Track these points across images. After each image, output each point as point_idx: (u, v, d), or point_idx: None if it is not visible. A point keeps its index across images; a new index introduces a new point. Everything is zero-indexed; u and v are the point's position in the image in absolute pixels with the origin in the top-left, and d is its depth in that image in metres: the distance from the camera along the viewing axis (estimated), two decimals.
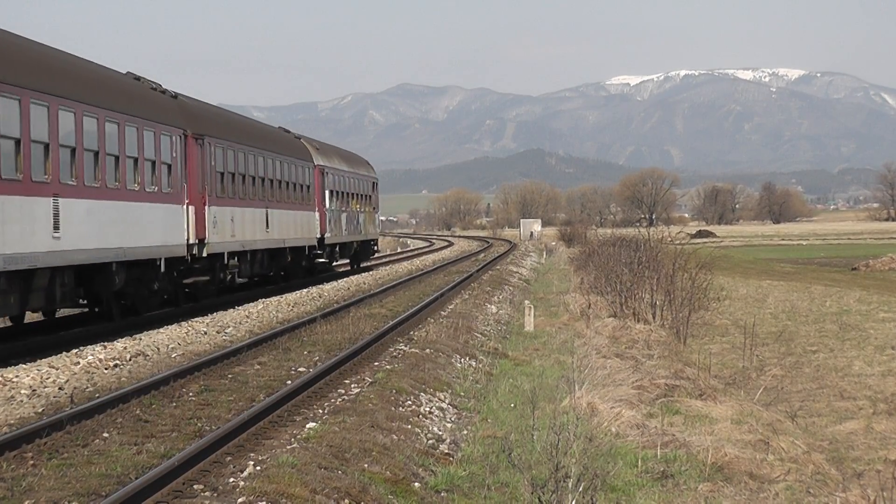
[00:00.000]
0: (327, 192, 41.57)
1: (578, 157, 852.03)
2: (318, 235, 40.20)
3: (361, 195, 48.70)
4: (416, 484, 11.01)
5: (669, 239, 38.11)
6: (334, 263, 46.32)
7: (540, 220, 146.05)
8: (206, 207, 27.70)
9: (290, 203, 36.59)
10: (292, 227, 36.53)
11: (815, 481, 12.41)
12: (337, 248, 43.95)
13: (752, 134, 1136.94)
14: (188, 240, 26.32)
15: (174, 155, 25.54)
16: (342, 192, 44.36)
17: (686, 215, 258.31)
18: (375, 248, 53.98)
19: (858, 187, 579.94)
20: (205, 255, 27.39)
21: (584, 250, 48.58)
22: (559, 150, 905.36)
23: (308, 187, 39.17)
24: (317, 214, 40.15)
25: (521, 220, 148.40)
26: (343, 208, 44.32)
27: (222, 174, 29.31)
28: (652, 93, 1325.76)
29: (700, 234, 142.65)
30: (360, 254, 49.56)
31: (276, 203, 34.54)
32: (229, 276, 29.94)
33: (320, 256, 40.81)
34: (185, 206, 26.21)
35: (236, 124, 33.69)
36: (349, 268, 49.58)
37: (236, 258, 30.27)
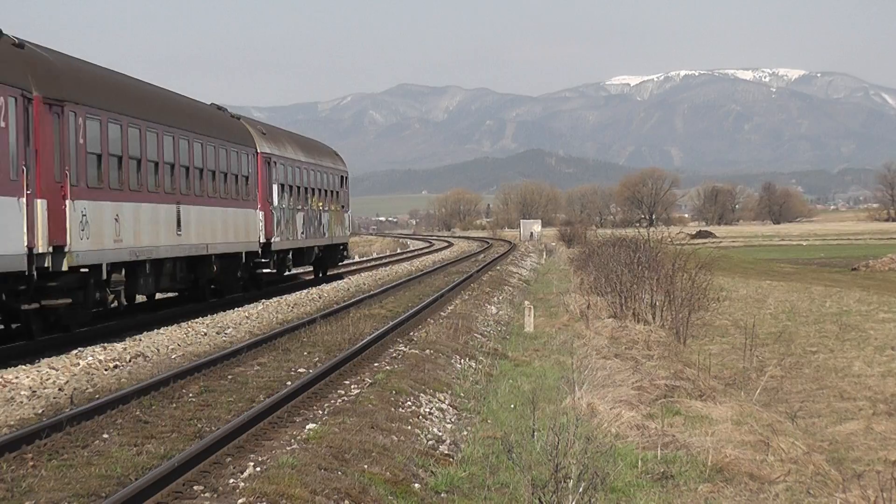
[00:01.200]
0: (276, 186, 33.71)
1: (578, 158, 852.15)
2: (263, 239, 32.34)
3: (326, 191, 41.14)
4: (416, 485, 11.01)
5: (669, 239, 38.11)
6: (293, 272, 40.48)
7: (540, 221, 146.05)
8: (68, 201, 19.92)
9: (218, 199, 28.75)
10: (220, 228, 28.77)
11: (815, 482, 12.41)
12: (290, 255, 36.03)
13: (752, 134, 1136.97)
14: (33, 247, 18.53)
15: (2, 125, 17.99)
16: (298, 187, 36.72)
17: (686, 215, 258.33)
18: (345, 252, 45.55)
19: (858, 187, 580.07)
20: (64, 268, 19.72)
21: (584, 251, 48.56)
22: (559, 151, 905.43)
23: (247, 179, 31.39)
24: (259, 213, 32.26)
25: (521, 221, 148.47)
26: (299, 206, 36.53)
27: (99, 156, 21.59)
28: (652, 93, 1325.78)
29: (700, 234, 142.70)
30: (325, 260, 42.16)
31: (193, 198, 26.99)
32: (111, 297, 22.20)
33: (265, 265, 33.08)
34: (22, 200, 18.34)
35: (130, 91, 25.03)
36: (315, 276, 42.73)
37: (122, 271, 22.55)
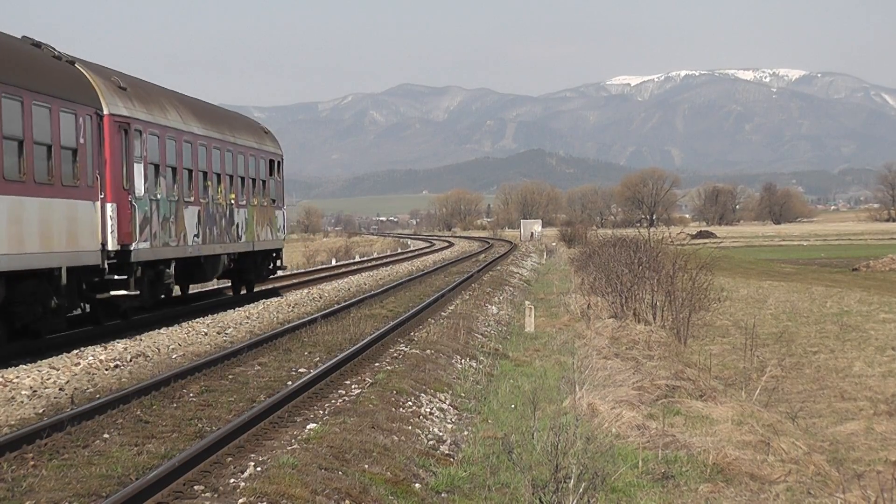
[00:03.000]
0: (140, 167, 23.25)
1: (579, 158, 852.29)
2: (114, 245, 21.89)
3: (243, 179, 30.92)
4: (417, 485, 11.01)
5: (670, 239, 38.10)
6: (191, 291, 31.84)
7: (540, 221, 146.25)
8: None
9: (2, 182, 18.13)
10: (4, 232, 18.10)
11: (815, 482, 12.41)
12: (170, 268, 25.21)
13: (752, 134, 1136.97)
14: None
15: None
16: (190, 171, 26.59)
17: (687, 216, 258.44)
18: (278, 262, 35.00)
19: (859, 188, 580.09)
20: None
21: (585, 251, 48.55)
22: (560, 151, 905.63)
23: (74, 153, 20.72)
24: (108, 207, 21.93)
25: (522, 221, 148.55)
26: (190, 198, 26.43)
27: None
28: (652, 93, 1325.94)
29: (701, 234, 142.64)
30: (246, 272, 32.40)
31: None
32: None
33: (116, 284, 22.09)
34: None
35: None
36: (234, 293, 33.31)
37: None
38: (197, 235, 26.81)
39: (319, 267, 57.42)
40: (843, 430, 17.45)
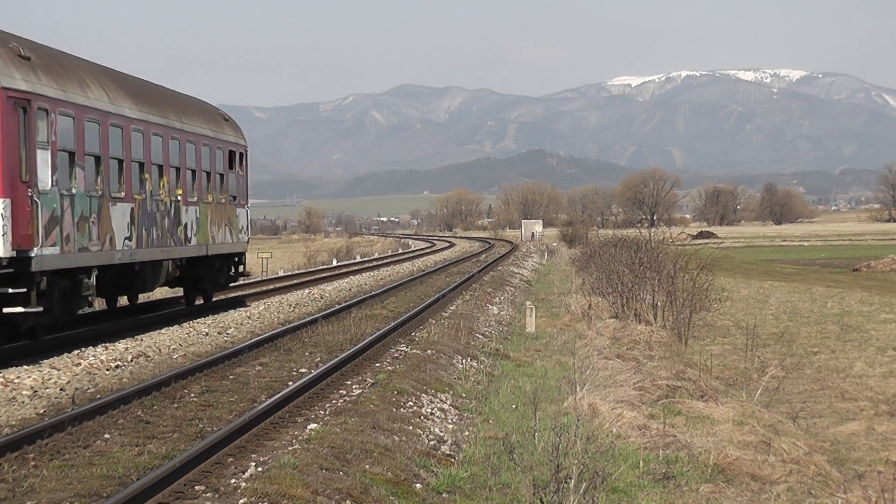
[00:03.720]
0: (47, 155, 18.74)
1: (580, 158, 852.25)
2: (5, 252, 17.48)
3: (196, 172, 26.35)
4: (418, 485, 11.01)
5: (671, 240, 38.10)
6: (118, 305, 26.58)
7: (541, 221, 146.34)
8: None
9: None
10: None
11: (816, 482, 12.41)
12: (91, 278, 20.49)
13: (753, 135, 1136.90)
14: None
15: None
16: (120, 161, 21.96)
17: (687, 216, 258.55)
18: (241, 267, 30.43)
19: (860, 188, 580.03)
20: None
21: (586, 251, 48.56)
22: (560, 151, 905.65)
23: None
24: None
25: (523, 221, 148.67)
26: (120, 193, 21.94)
27: None
28: (653, 93, 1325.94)
29: (701, 234, 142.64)
30: (200, 280, 27.90)
31: None
32: None
33: (11, 299, 17.71)
34: None
35: None
36: (187, 303, 28.81)
37: None
38: (129, 238, 22.24)
39: (320, 267, 57.44)
40: (844, 431, 17.45)
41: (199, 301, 28.91)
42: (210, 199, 27.35)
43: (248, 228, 30.86)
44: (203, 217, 26.72)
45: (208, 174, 27.35)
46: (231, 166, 29.41)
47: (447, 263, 55.04)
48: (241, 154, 30.27)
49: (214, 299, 29.57)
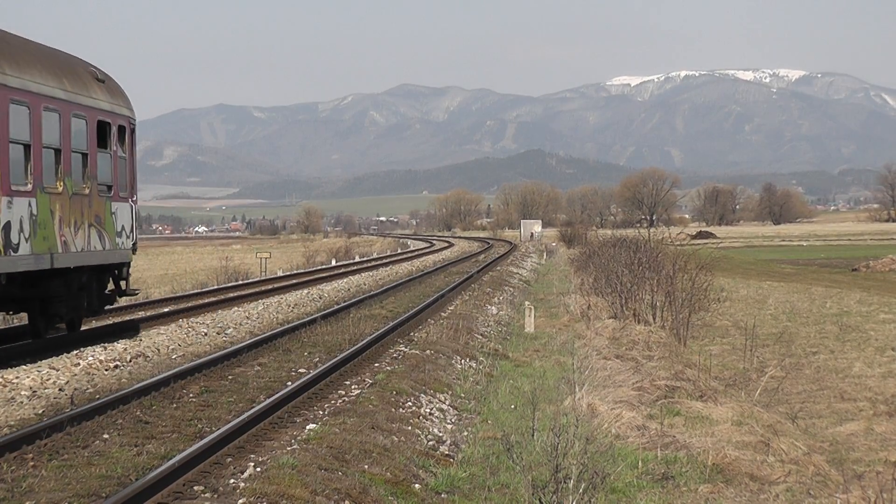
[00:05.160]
0: None
1: (579, 158, 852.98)
2: None
3: (30, 148, 18.09)
4: (417, 485, 11.01)
5: (670, 240, 38.11)
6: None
7: (540, 221, 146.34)
8: None
9: None
10: None
11: (815, 483, 12.41)
12: None
13: (752, 135, 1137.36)
14: None
15: None
16: None
17: (686, 216, 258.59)
18: (123, 283, 22.55)
19: (859, 188, 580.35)
20: None
21: (585, 251, 48.57)
22: (559, 151, 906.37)
23: None
24: None
25: (522, 221, 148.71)
26: None
27: None
28: (652, 93, 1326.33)
29: (700, 234, 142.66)
30: (55, 303, 20.04)
31: None
32: None
33: None
34: None
35: None
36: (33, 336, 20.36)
37: None
38: None
39: (319, 267, 57.43)
40: (843, 431, 17.45)
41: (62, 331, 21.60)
42: (60, 189, 19.21)
43: (133, 231, 22.76)
44: (45, 213, 18.59)
45: (58, 153, 19.17)
46: (104, 144, 21.25)
47: (446, 263, 55.04)
48: (121, 128, 21.97)
49: (91, 326, 23.14)
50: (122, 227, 22.15)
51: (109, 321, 24.52)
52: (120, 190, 22.08)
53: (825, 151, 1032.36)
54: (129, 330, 22.77)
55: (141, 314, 26.54)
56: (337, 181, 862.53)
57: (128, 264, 22.67)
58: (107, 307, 22.94)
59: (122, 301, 29.16)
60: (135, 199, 23.20)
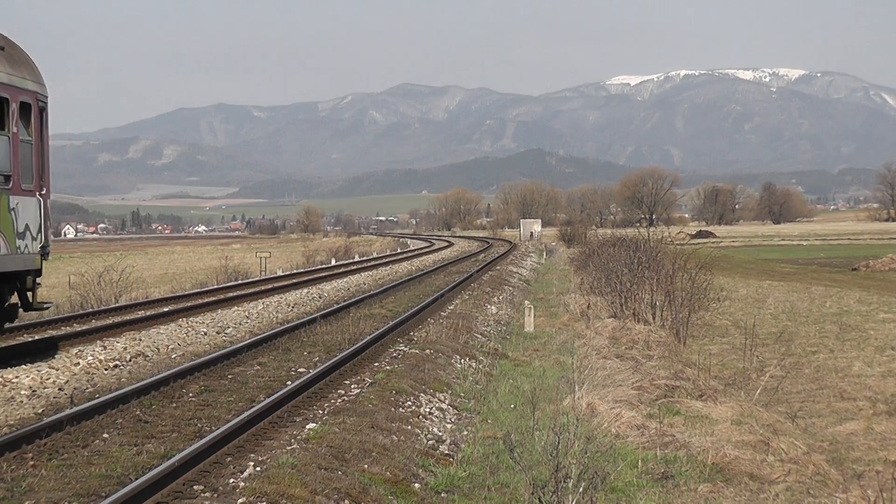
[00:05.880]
0: None
1: (578, 157, 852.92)
2: None
3: None
4: (416, 485, 11.02)
5: (669, 239, 38.10)
6: None
7: (540, 221, 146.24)
8: None
9: None
10: None
11: (815, 482, 12.41)
12: None
13: (752, 134, 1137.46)
14: None
15: None
16: None
17: (686, 215, 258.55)
18: (30, 295, 18.48)
19: (858, 187, 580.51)
20: None
21: (584, 251, 48.57)
22: (559, 150, 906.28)
23: None
24: None
25: (521, 221, 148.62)
26: None
27: None
28: (652, 93, 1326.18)
29: (700, 234, 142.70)
30: None
31: None
32: None
33: None
34: None
35: None
36: None
37: None
38: None
39: (319, 267, 57.41)
40: (843, 430, 17.45)
41: None
42: None
43: (42, 231, 18.49)
44: None
45: None
46: (1, 126, 17.19)
47: (446, 263, 55.04)
48: (24, 105, 17.72)
49: None
50: (26, 227, 17.82)
51: (25, 338, 20.66)
52: (22, 181, 17.63)
53: (825, 151, 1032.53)
54: (38, 352, 18.80)
55: (64, 330, 22.03)
56: (336, 180, 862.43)
57: (35, 272, 18.40)
58: (6, 325, 18.67)
59: (122, 301, 29.21)
60: (44, 192, 18.56)
